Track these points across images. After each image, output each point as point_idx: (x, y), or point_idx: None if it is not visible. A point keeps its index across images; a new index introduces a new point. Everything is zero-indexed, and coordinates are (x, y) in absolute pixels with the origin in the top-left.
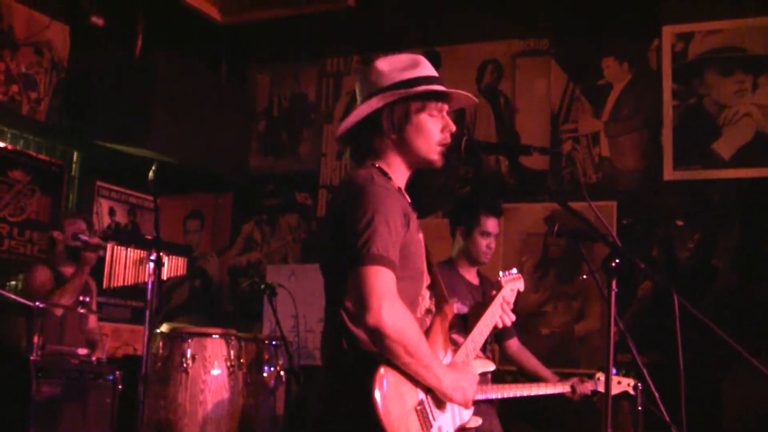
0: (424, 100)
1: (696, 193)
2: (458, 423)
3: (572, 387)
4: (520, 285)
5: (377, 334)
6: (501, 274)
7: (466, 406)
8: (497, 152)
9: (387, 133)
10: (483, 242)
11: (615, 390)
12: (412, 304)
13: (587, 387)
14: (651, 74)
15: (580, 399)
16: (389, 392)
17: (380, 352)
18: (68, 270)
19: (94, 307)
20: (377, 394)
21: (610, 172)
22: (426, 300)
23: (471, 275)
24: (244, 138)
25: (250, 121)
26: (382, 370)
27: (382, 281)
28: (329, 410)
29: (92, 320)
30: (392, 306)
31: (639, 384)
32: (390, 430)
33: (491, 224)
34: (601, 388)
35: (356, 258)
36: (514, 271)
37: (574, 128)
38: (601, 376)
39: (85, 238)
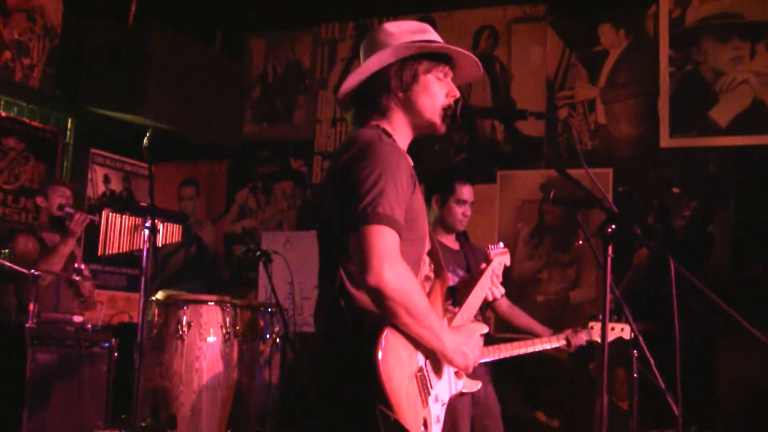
0: (433, 61)
1: (692, 160)
2: (453, 391)
3: (567, 339)
4: (507, 259)
5: (378, 295)
6: (490, 247)
7: (467, 371)
8: (492, 117)
9: (394, 91)
10: (459, 210)
11: (609, 337)
12: (414, 266)
13: (582, 338)
14: (648, 41)
15: (576, 350)
16: (392, 356)
17: (381, 313)
18: (52, 238)
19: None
20: (380, 357)
21: (606, 139)
22: (426, 266)
23: (450, 241)
24: (238, 105)
25: (245, 88)
26: (385, 333)
27: (385, 241)
28: (328, 374)
29: (88, 286)
30: (393, 266)
31: (635, 351)
32: (391, 394)
33: (466, 192)
34: (596, 337)
35: (361, 217)
36: (501, 245)
37: (570, 95)
38: (594, 325)
39: (70, 210)
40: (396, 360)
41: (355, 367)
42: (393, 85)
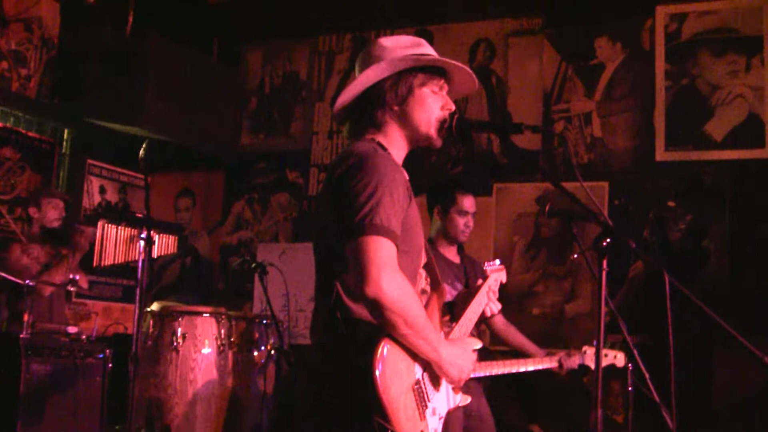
0: (428, 74)
1: (688, 174)
2: (451, 405)
3: (559, 362)
4: (503, 276)
5: (376, 305)
6: (486, 264)
7: (458, 384)
8: (489, 130)
9: (389, 104)
10: (461, 221)
11: (603, 362)
12: (411, 279)
13: (574, 361)
14: (644, 54)
15: (567, 373)
16: (389, 367)
17: (379, 323)
18: (36, 249)
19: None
20: (377, 368)
21: (602, 152)
22: (422, 279)
23: (451, 254)
24: (235, 115)
25: (242, 99)
26: (383, 344)
27: (382, 252)
28: (325, 385)
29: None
30: (392, 277)
31: (630, 364)
32: (388, 406)
33: (468, 203)
34: (588, 362)
35: (357, 228)
36: (497, 262)
37: (566, 108)
38: (587, 349)
39: (82, 227)
40: (393, 371)
41: (352, 378)
42: (388, 98)
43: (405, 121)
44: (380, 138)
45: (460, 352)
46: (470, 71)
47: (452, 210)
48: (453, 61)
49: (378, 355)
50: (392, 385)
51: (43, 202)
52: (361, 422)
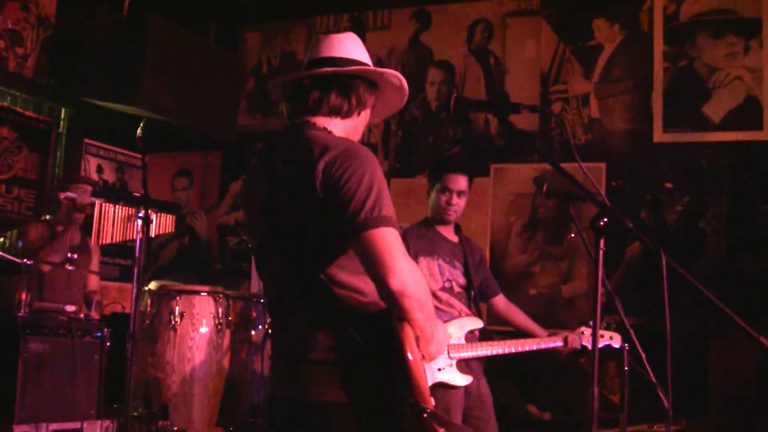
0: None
1: (685, 155)
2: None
3: (565, 340)
4: None
5: (400, 295)
6: None
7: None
8: (487, 110)
9: (356, 104)
10: (442, 198)
11: (599, 343)
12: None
13: (576, 341)
14: (642, 36)
15: (568, 353)
16: (415, 352)
17: (395, 310)
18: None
19: (95, 268)
20: (410, 357)
21: (599, 133)
22: None
23: (448, 233)
24: (233, 96)
25: (239, 80)
26: (407, 332)
27: (396, 242)
28: (349, 380)
29: (93, 281)
30: (411, 266)
31: (626, 345)
32: (424, 388)
33: (451, 181)
34: (586, 343)
35: (367, 222)
36: None
37: (564, 89)
38: (585, 330)
39: (71, 195)
40: (417, 354)
41: (390, 370)
42: (357, 99)
43: (353, 126)
44: (332, 127)
45: (439, 328)
46: (400, 105)
47: (436, 187)
48: (405, 94)
49: (408, 343)
50: (420, 368)
51: (72, 187)
52: (401, 408)
